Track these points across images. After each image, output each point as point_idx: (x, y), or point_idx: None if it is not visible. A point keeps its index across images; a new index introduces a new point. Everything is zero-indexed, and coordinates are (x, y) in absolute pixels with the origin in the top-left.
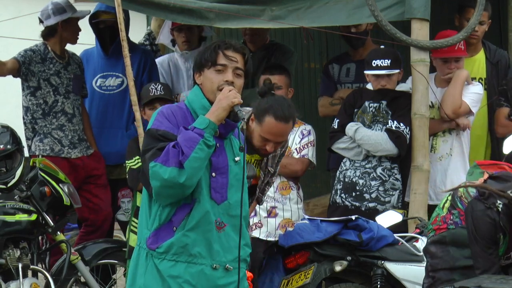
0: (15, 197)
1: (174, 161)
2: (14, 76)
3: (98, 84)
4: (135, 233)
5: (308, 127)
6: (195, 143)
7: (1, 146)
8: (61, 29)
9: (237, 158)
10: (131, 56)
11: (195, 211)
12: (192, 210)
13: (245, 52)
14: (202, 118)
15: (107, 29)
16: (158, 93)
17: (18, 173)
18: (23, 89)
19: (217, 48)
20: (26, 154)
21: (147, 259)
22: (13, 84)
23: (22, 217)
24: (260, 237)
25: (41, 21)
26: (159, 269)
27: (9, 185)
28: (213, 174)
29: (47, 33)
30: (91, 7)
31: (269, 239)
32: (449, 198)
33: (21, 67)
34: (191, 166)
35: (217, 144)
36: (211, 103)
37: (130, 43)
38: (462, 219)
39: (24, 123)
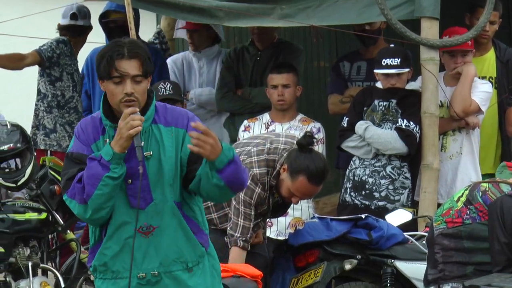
0: (25, 195)
1: (79, 198)
2: (39, 66)
3: None
4: None
5: (318, 124)
6: (98, 180)
7: (11, 145)
8: (88, 33)
9: (146, 153)
10: None
11: (109, 227)
12: (108, 226)
13: (140, 54)
14: (107, 147)
15: (117, 29)
16: (167, 93)
17: (28, 171)
18: (41, 75)
19: (110, 59)
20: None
21: None
22: (15, 85)
23: (32, 215)
24: (271, 236)
25: (76, 18)
26: (96, 286)
27: (19, 183)
28: (129, 180)
29: (77, 32)
30: (101, 6)
31: (279, 238)
32: (466, 192)
33: (44, 62)
34: (95, 203)
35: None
36: (118, 112)
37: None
38: (481, 215)
39: (36, 108)
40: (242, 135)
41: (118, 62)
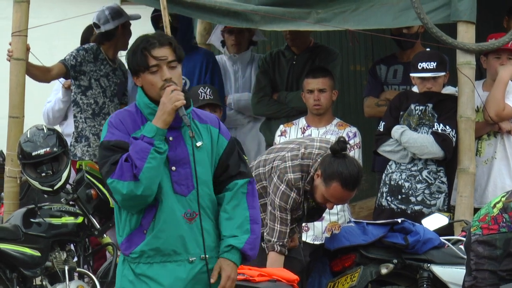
0: (61, 199)
1: (129, 175)
2: (64, 78)
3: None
4: None
5: (354, 129)
6: (146, 153)
7: (48, 149)
8: (120, 33)
9: (198, 144)
10: (193, 58)
11: (160, 212)
12: (157, 211)
13: (170, 41)
14: (149, 125)
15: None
16: (208, 98)
17: (65, 175)
18: (75, 86)
19: (144, 50)
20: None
21: (124, 264)
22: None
23: (68, 219)
24: (307, 241)
25: (97, 26)
26: (136, 272)
27: (55, 187)
28: (173, 168)
29: (104, 38)
30: (137, 10)
31: (315, 242)
32: (503, 199)
33: (69, 71)
34: (146, 177)
35: (170, 138)
36: (157, 102)
37: (191, 46)
38: None
39: (76, 120)
40: (278, 140)
41: (153, 51)
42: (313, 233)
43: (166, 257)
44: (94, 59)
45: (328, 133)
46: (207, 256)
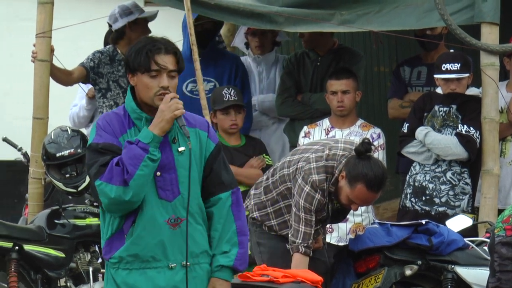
0: (86, 201)
1: (119, 180)
2: (84, 82)
3: (189, 89)
4: None
5: (378, 130)
6: (140, 160)
7: (72, 150)
8: (129, 30)
9: (180, 149)
10: (221, 62)
11: (140, 217)
12: (137, 216)
13: (176, 51)
14: (146, 131)
15: (200, 34)
16: (233, 99)
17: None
18: (96, 91)
19: (149, 53)
20: None
21: (107, 268)
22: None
23: (92, 221)
24: (331, 242)
25: (110, 26)
26: (114, 278)
27: (79, 189)
28: (158, 173)
29: (117, 37)
30: (160, 11)
31: (340, 244)
32: None
33: (89, 73)
34: (136, 184)
35: None
36: (147, 104)
37: (220, 49)
38: None
39: None
40: (302, 141)
41: (157, 56)
42: (337, 234)
43: (145, 263)
44: (111, 60)
45: (352, 134)
46: (188, 263)
